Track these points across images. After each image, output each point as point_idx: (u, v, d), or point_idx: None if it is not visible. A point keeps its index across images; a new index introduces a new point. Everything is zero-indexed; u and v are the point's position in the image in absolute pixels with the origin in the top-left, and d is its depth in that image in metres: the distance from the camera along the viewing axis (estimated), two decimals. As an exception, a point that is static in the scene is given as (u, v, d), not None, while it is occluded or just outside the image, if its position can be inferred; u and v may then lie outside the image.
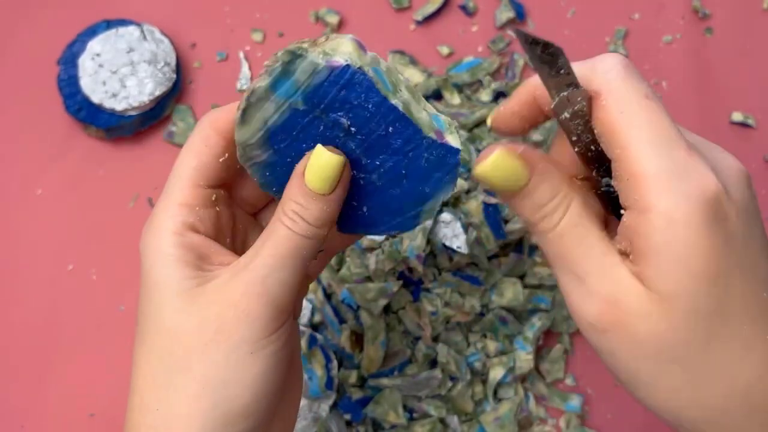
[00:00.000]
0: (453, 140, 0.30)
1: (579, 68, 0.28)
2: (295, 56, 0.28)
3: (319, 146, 0.30)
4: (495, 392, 0.50)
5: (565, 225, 0.28)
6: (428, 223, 0.47)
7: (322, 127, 0.30)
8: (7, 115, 0.52)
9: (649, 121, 0.26)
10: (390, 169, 0.31)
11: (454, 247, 0.46)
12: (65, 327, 0.50)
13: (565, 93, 0.27)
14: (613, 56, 0.28)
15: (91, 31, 0.52)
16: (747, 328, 0.26)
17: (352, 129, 0.30)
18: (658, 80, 0.56)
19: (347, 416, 0.48)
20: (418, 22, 0.56)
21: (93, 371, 0.49)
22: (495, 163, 0.28)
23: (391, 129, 0.30)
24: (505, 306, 0.49)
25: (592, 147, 0.28)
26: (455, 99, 0.53)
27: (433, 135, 0.30)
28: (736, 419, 0.27)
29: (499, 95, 0.54)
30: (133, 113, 0.51)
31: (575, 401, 0.50)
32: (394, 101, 0.29)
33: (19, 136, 0.52)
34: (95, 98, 0.50)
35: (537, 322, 0.50)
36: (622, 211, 0.27)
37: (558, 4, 0.57)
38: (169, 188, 0.32)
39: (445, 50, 0.55)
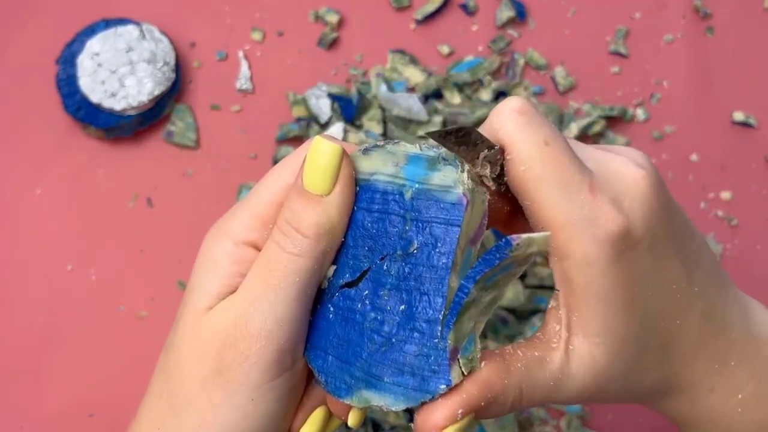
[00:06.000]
0: (455, 374, 0.25)
1: (485, 129, 0.28)
2: (452, 162, 0.26)
3: (317, 137, 0.27)
4: (495, 393, 0.49)
5: (523, 393, 0.28)
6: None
7: (396, 230, 0.27)
8: (5, 115, 0.52)
9: (551, 171, 0.27)
10: (390, 328, 0.26)
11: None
12: (65, 327, 0.49)
13: (483, 156, 0.27)
14: (508, 105, 0.27)
15: (90, 31, 0.52)
16: (670, 325, 0.29)
17: (413, 254, 0.26)
18: (659, 80, 0.56)
19: (347, 417, 0.48)
20: (419, 22, 0.56)
21: (93, 371, 0.49)
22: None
23: (429, 293, 0.26)
24: (505, 306, 0.49)
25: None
26: (455, 98, 0.53)
27: (449, 346, 0.25)
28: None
29: (499, 95, 0.54)
30: (132, 113, 0.51)
31: (576, 402, 0.50)
32: (453, 279, 0.26)
33: (18, 135, 0.52)
34: (94, 98, 0.50)
35: (537, 323, 0.49)
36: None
37: (558, 4, 0.56)
38: (252, 195, 0.29)
39: (445, 49, 0.55)
